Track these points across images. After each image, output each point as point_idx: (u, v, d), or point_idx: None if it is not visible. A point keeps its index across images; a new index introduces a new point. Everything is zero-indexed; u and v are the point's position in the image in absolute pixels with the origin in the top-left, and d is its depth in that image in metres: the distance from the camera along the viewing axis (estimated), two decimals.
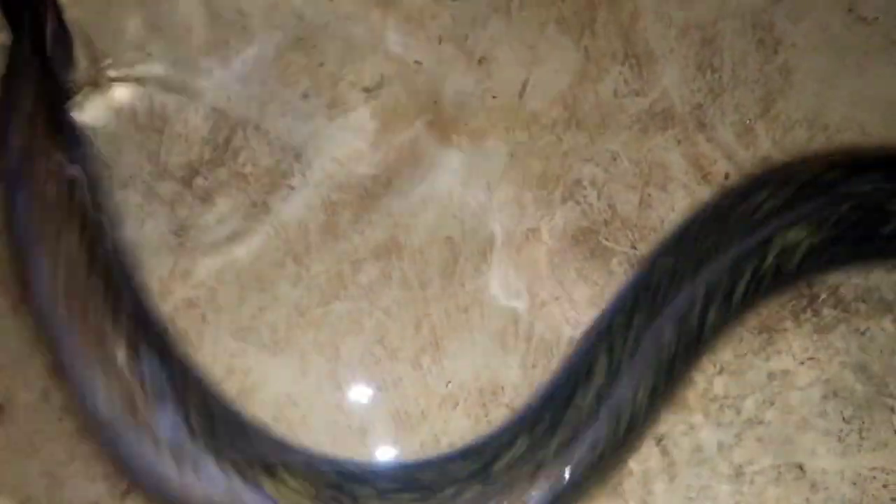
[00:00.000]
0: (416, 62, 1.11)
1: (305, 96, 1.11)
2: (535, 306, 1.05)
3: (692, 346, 0.95)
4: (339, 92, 1.11)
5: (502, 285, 1.06)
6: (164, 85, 1.11)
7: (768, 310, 1.03)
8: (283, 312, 1.07)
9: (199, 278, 1.10)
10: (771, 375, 1.03)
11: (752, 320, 1.03)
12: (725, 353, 1.03)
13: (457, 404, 1.04)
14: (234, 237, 1.10)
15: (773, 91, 1.07)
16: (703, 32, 1.08)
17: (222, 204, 1.10)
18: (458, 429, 1.03)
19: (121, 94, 1.11)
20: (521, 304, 1.06)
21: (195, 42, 1.12)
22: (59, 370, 0.98)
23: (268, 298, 1.08)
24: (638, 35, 1.08)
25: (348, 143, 1.10)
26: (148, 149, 1.11)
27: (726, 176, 1.06)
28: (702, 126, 1.07)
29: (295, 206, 1.10)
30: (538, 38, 1.09)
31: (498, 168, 1.08)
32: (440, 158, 1.09)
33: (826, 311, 1.02)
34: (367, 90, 1.11)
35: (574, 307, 1.05)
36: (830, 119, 1.06)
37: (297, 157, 1.10)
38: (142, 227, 1.10)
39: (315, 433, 1.04)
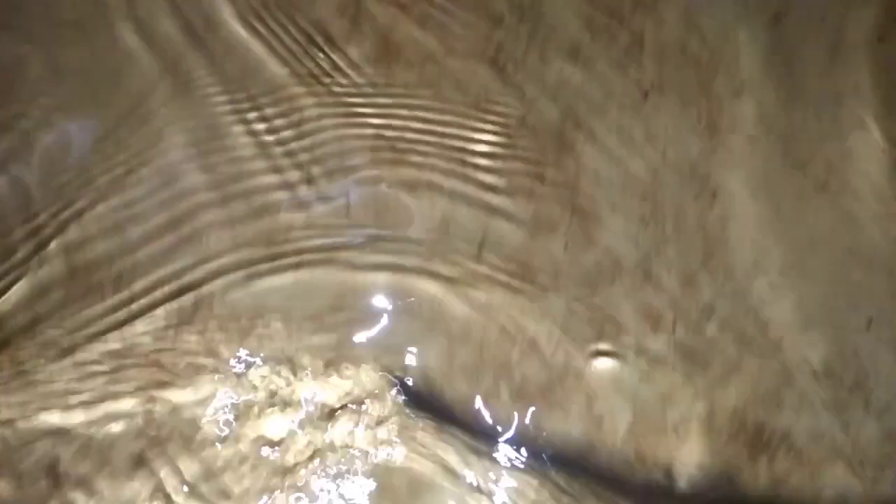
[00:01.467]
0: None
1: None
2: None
3: None
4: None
5: None
6: None
7: (727, 454, 1.04)
8: None
9: None
10: None
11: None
12: None
13: None
14: None
15: (712, 240, 1.11)
16: (644, 186, 1.13)
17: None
18: None
19: None
20: None
21: None
22: None
23: None
24: (582, 191, 1.14)
25: None
26: None
27: (674, 325, 1.09)
28: (648, 277, 1.11)
29: None
30: (494, 199, 1.14)
31: (459, 327, 1.11)
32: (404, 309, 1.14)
33: (780, 456, 1.04)
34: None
35: None
36: (771, 265, 1.09)
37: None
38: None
39: None
